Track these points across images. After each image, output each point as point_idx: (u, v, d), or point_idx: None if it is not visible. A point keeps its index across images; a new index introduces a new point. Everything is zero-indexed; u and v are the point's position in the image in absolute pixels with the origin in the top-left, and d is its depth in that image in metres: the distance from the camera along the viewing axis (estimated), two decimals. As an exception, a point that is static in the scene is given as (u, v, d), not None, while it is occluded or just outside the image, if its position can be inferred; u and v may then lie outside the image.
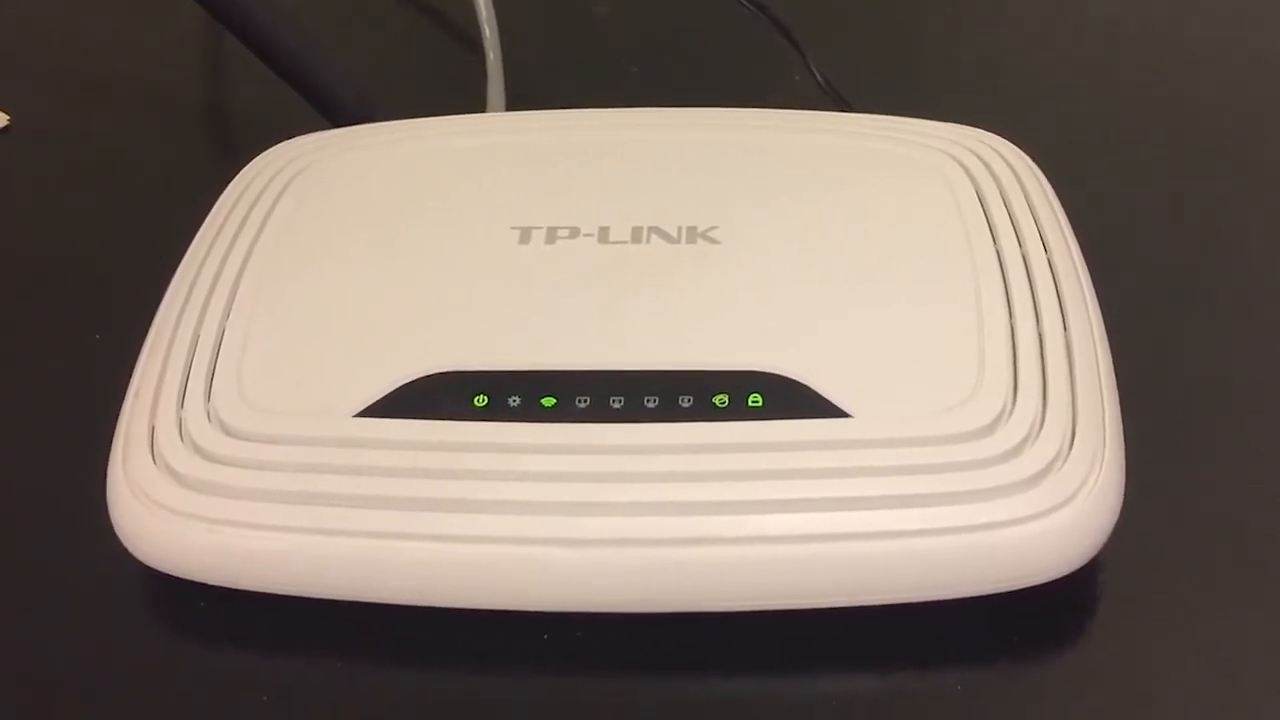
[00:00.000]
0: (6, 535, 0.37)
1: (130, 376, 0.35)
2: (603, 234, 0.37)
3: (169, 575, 0.33)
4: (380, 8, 0.58)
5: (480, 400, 0.33)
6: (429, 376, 0.33)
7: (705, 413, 0.32)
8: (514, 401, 0.33)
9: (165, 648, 0.34)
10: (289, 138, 0.43)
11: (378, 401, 0.33)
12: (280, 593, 0.33)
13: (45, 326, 0.43)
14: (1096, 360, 0.34)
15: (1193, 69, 0.53)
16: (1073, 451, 0.32)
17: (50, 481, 0.38)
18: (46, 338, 0.43)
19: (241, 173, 0.41)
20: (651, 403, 0.33)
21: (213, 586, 0.33)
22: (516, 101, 0.49)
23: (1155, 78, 0.53)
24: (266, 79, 0.47)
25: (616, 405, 0.33)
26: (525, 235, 0.37)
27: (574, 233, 0.37)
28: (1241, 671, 0.33)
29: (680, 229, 0.37)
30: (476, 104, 0.49)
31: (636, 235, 0.37)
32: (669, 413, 0.32)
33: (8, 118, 0.52)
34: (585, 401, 0.33)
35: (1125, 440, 0.33)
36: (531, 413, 0.33)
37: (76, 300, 0.44)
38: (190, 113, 0.54)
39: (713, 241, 0.37)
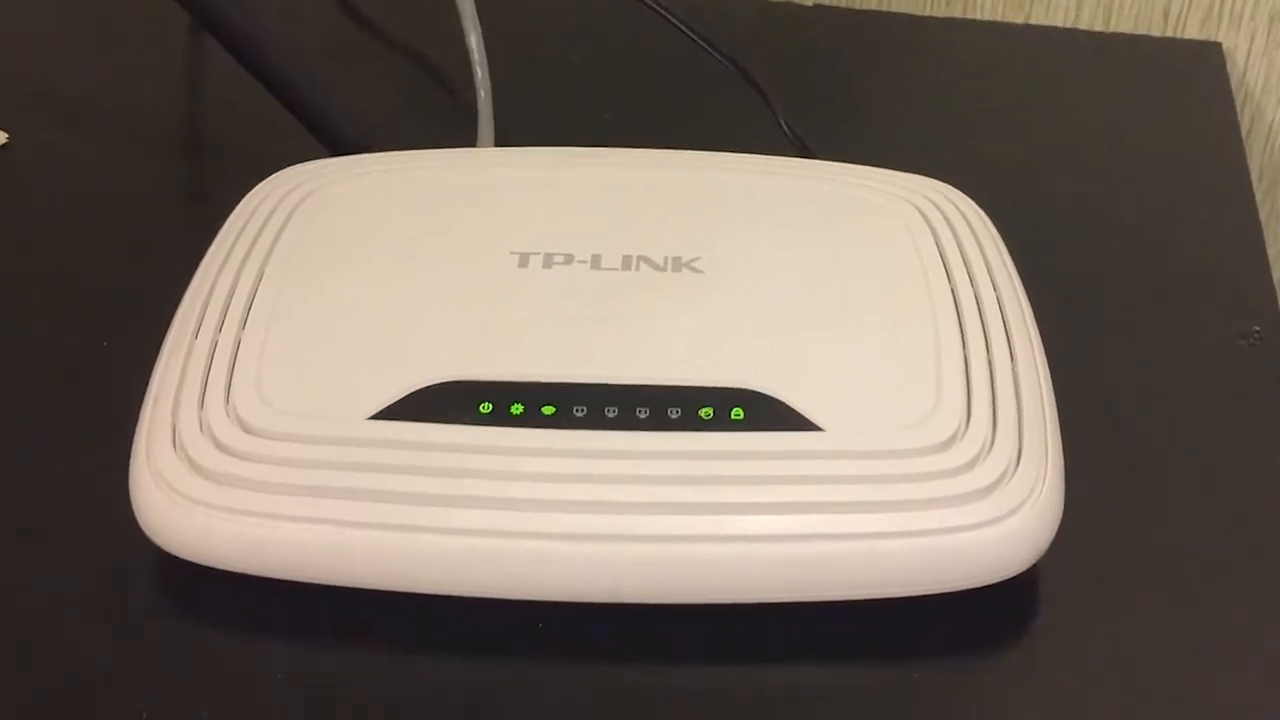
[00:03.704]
0: (30, 525, 0.38)
1: (145, 387, 0.37)
2: (595, 261, 0.40)
3: (185, 562, 0.35)
4: (372, 48, 0.61)
5: (485, 407, 0.36)
6: (438, 384, 0.36)
7: (692, 423, 0.35)
8: (516, 409, 0.36)
9: (180, 631, 0.36)
10: (289, 164, 0.44)
11: (390, 406, 0.36)
12: (293, 579, 0.35)
13: (46, 344, 0.44)
14: (1039, 387, 0.38)
15: (1123, 134, 0.57)
16: (1019, 467, 0.35)
17: (67, 481, 0.39)
18: (47, 353, 0.44)
19: (249, 195, 0.43)
20: (643, 413, 0.35)
21: (228, 573, 0.35)
22: (499, 142, 0.51)
23: (1086, 142, 0.57)
24: (262, 106, 0.49)
25: (611, 415, 0.35)
26: (524, 260, 0.40)
27: (569, 259, 0.40)
28: (1157, 671, 0.36)
29: (667, 258, 0.40)
30: (461, 141, 0.51)
31: (626, 263, 0.40)
32: (659, 422, 0.35)
33: (6, 135, 0.52)
34: (582, 411, 0.35)
35: (1065, 458, 0.36)
36: (533, 419, 0.35)
37: (79, 317, 0.45)
38: (188, 136, 0.55)
39: (696, 271, 0.40)
